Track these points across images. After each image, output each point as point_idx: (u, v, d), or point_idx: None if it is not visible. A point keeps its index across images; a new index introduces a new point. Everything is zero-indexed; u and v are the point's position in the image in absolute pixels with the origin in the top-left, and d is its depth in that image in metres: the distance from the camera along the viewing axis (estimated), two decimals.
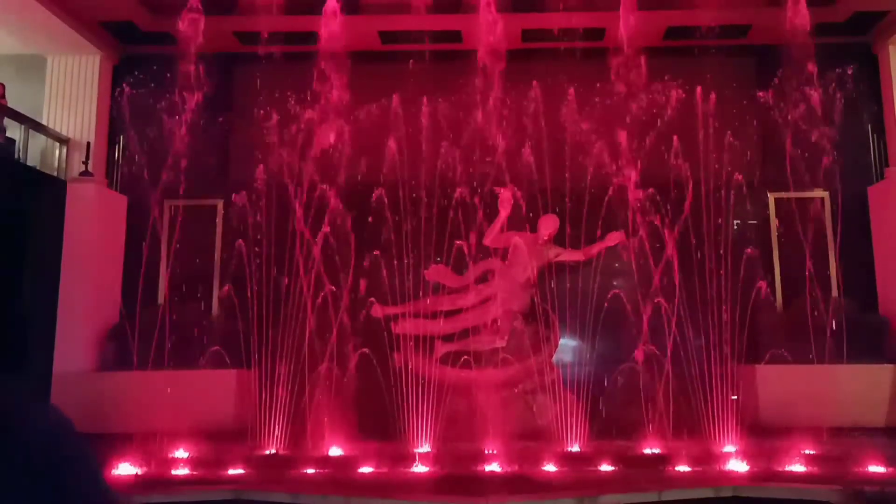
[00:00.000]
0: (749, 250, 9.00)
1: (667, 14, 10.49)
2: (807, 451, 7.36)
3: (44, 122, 10.98)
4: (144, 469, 7.03)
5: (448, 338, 9.23)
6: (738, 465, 7.25)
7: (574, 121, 9.69)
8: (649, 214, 8.56)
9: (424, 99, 9.10)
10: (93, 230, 10.10)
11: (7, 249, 9.33)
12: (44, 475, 0.78)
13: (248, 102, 10.25)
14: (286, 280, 8.46)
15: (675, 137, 8.75)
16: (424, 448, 8.00)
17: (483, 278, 9.62)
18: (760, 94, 9.64)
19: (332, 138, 8.84)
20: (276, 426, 8.12)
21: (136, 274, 8.91)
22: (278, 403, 8.13)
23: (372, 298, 9.36)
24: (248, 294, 8.72)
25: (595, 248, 9.33)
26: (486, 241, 9.46)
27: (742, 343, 8.56)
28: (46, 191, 10.00)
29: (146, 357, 8.28)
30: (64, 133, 11.02)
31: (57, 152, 11.03)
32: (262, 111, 9.34)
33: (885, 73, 11.05)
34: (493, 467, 7.41)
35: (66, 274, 9.82)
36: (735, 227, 9.72)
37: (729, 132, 9.16)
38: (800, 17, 9.13)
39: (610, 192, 8.81)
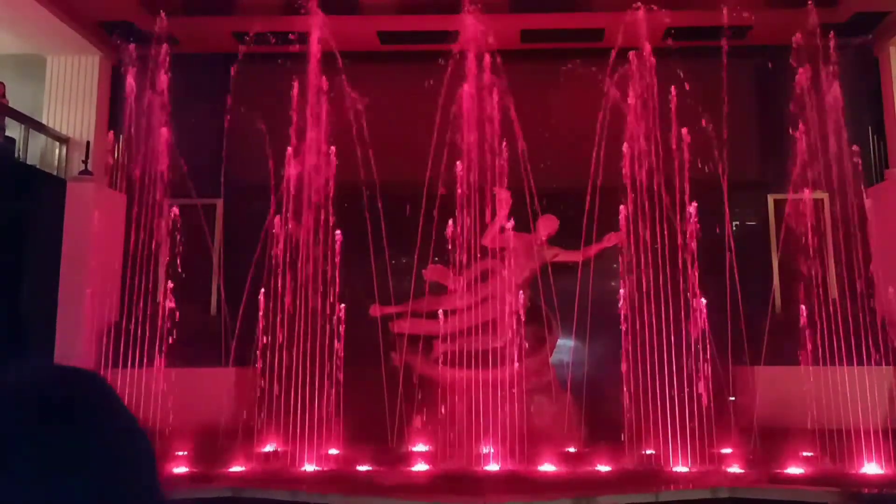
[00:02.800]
0: (748, 251, 8.98)
1: (666, 14, 10.47)
2: (805, 453, 7.35)
3: (43, 121, 10.99)
4: None
5: (446, 337, 9.22)
6: (736, 467, 7.25)
7: (573, 121, 9.70)
8: (648, 215, 8.54)
9: (422, 99, 9.08)
10: (92, 229, 10.11)
11: (7, 248, 9.35)
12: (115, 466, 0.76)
13: (246, 102, 10.24)
14: (283, 280, 8.46)
15: (673, 138, 8.74)
16: (423, 447, 7.99)
17: (481, 278, 9.61)
18: (759, 95, 9.63)
19: (329, 139, 8.84)
20: (275, 424, 8.11)
21: (136, 272, 8.92)
22: (277, 401, 8.12)
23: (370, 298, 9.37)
24: (247, 293, 8.72)
25: (593, 249, 9.30)
26: (485, 241, 9.44)
27: (741, 344, 8.55)
28: (46, 190, 10.01)
29: (145, 355, 8.29)
30: (64, 132, 11.04)
31: (57, 151, 11.05)
32: (260, 111, 9.34)
33: (886, 75, 11.02)
34: (492, 467, 7.42)
35: (65, 272, 9.83)
36: (734, 228, 9.70)
37: (727, 133, 9.14)
38: (800, 18, 9.13)
39: (608, 193, 8.79)
